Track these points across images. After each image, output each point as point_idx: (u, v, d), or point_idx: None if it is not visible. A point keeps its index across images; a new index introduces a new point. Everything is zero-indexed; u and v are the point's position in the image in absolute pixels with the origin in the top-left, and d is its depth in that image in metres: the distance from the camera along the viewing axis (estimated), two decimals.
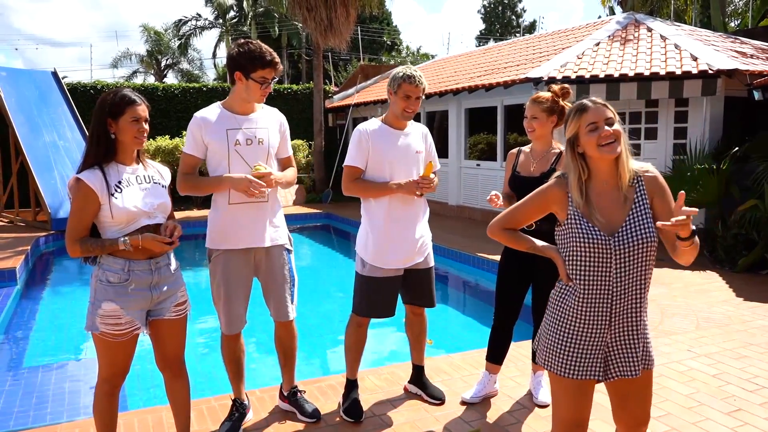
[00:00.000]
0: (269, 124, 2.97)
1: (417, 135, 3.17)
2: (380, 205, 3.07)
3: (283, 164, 3.10)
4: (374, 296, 3.13)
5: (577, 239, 1.96)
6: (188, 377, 2.70)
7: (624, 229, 1.95)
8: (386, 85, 3.09)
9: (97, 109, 2.36)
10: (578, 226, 1.97)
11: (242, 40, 2.87)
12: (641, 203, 1.99)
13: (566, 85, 3.18)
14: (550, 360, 2.05)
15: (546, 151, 3.19)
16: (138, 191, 2.41)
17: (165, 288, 2.48)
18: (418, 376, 3.44)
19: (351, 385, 3.26)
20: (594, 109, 1.98)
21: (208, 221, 2.98)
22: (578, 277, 1.99)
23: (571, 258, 2.01)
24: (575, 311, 2.00)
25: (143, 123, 2.40)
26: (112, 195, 2.33)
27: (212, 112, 2.89)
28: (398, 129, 3.11)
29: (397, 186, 3.02)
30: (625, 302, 1.98)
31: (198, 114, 2.88)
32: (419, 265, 3.20)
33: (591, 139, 1.96)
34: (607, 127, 1.95)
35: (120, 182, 2.37)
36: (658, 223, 1.82)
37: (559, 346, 2.02)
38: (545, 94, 3.13)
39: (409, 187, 3.01)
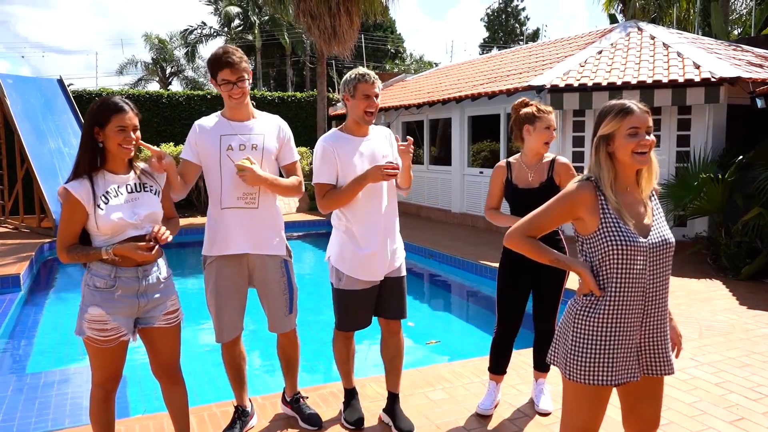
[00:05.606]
0: (266, 130, 2.94)
1: (380, 139, 3.04)
2: (356, 214, 2.94)
3: (287, 171, 3.01)
4: (355, 309, 3.04)
5: (617, 243, 1.91)
6: (185, 384, 2.68)
7: (654, 231, 1.98)
8: (341, 92, 2.96)
9: (86, 117, 2.36)
10: (616, 229, 1.93)
11: None
12: (658, 208, 2.06)
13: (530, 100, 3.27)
14: (587, 373, 1.96)
15: (540, 160, 3.22)
16: (125, 202, 2.37)
17: (153, 296, 2.44)
18: (391, 404, 3.19)
19: (350, 394, 3.25)
20: (639, 114, 1.94)
21: (205, 228, 2.98)
22: (613, 282, 1.94)
23: (605, 264, 1.95)
24: (610, 319, 1.95)
25: (131, 131, 2.34)
26: (98, 206, 2.31)
27: (210, 119, 2.94)
28: (359, 136, 2.97)
29: (362, 177, 2.85)
30: (655, 302, 1.99)
31: (197, 121, 2.94)
32: (391, 273, 3.07)
33: (628, 144, 1.93)
34: (647, 136, 1.94)
35: (107, 192, 2.35)
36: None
37: (597, 358, 1.95)
38: (548, 107, 3.21)
39: (374, 174, 2.82)
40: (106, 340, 2.36)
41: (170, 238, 2.40)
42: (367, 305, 3.06)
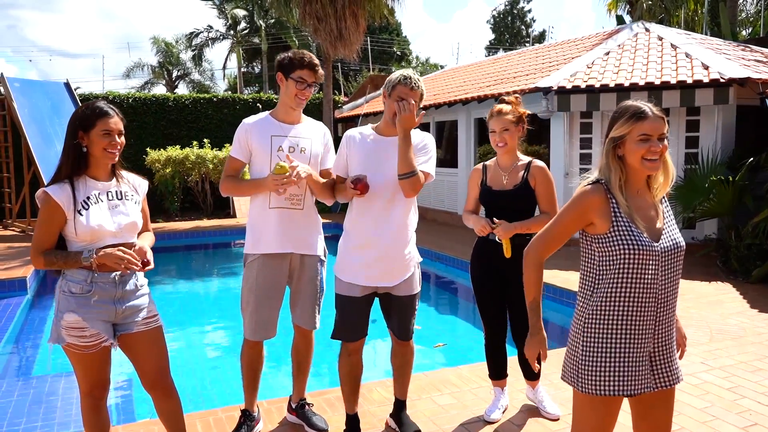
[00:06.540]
0: (313, 134, 3.03)
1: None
2: (356, 214, 2.86)
3: (323, 176, 3.07)
4: (346, 316, 2.89)
5: (629, 247, 1.87)
6: (178, 396, 2.57)
7: (665, 235, 1.94)
8: (383, 88, 2.85)
9: (70, 121, 2.32)
10: (628, 233, 1.88)
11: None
12: (668, 211, 2.03)
13: (517, 94, 3.15)
14: (599, 384, 1.91)
15: (514, 163, 3.16)
16: (105, 210, 2.33)
17: (131, 303, 2.40)
18: (398, 410, 3.14)
19: (352, 421, 3.02)
20: (653, 120, 1.88)
21: (247, 226, 3.03)
22: (624, 287, 1.90)
23: (615, 268, 1.90)
24: (621, 325, 1.91)
25: (115, 136, 2.31)
26: (78, 212, 2.27)
27: (260, 118, 2.99)
28: (387, 136, 2.83)
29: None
30: (667, 308, 1.95)
31: (246, 120, 2.99)
32: (392, 290, 2.89)
33: (638, 149, 1.88)
34: (659, 143, 1.89)
35: (88, 198, 2.31)
36: None
37: (609, 367, 1.90)
38: (507, 107, 3.09)
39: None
40: (88, 346, 2.31)
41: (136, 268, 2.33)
42: (358, 313, 2.89)
